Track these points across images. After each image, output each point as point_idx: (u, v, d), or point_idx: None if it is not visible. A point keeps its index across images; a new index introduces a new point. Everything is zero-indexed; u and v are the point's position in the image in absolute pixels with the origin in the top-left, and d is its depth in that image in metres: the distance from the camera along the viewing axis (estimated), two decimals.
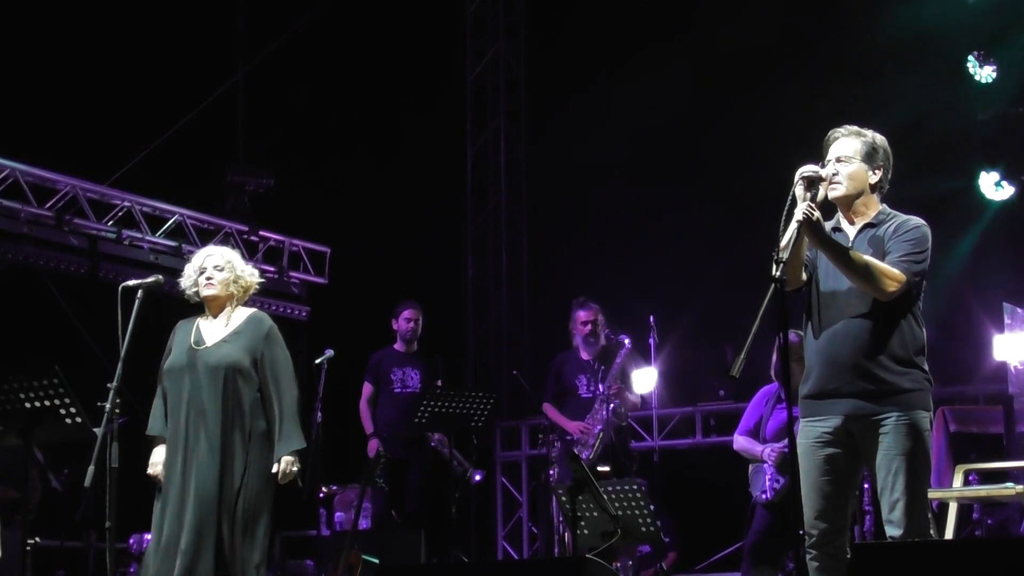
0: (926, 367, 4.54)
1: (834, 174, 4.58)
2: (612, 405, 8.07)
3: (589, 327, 8.35)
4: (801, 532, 4.46)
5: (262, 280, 5.87)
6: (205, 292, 5.62)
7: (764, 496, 7.03)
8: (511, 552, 11.22)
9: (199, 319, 5.68)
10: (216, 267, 5.64)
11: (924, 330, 4.57)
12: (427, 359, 8.79)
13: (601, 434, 8.08)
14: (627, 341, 8.25)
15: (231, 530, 5.33)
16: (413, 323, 8.78)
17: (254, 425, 5.47)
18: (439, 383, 8.67)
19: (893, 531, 4.40)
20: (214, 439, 5.38)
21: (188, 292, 5.68)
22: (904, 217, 4.63)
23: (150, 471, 5.54)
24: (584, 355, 8.39)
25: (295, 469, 5.45)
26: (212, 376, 5.46)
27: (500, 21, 12.55)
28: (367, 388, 8.77)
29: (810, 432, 4.58)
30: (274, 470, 5.44)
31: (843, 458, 4.52)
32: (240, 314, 5.67)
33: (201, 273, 5.64)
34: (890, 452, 4.42)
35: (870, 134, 4.66)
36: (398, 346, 8.86)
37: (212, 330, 5.62)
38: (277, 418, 5.48)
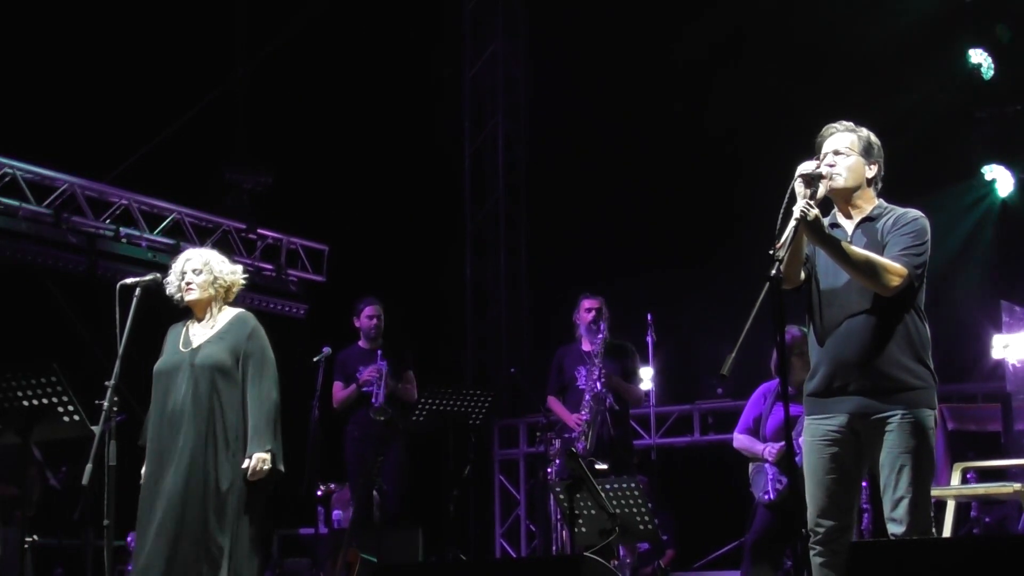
0: (931, 364, 4.51)
1: (832, 165, 4.57)
2: (596, 390, 8.06)
3: (592, 314, 8.33)
4: (804, 530, 4.46)
5: (245, 276, 5.86)
6: (186, 297, 5.66)
7: (767, 497, 7.02)
8: (509, 550, 11.22)
9: (189, 322, 5.71)
10: (194, 270, 5.66)
11: (927, 325, 4.55)
12: (393, 353, 8.71)
13: (589, 422, 8.06)
14: (602, 328, 8.25)
15: (220, 529, 5.31)
16: (376, 319, 8.73)
17: (238, 425, 5.46)
18: (411, 373, 8.63)
19: (896, 529, 4.39)
20: (189, 441, 5.37)
21: (175, 297, 5.70)
22: (902, 210, 4.61)
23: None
24: (586, 346, 8.38)
25: (266, 467, 5.39)
26: (197, 378, 5.47)
27: (499, 19, 12.54)
28: (338, 386, 8.69)
29: (815, 430, 4.56)
30: (244, 465, 5.40)
31: (849, 456, 4.51)
32: (225, 315, 5.69)
33: (182, 278, 5.66)
34: (894, 450, 4.40)
35: (864, 130, 4.67)
36: (362, 343, 8.79)
37: (199, 332, 5.65)
38: (253, 416, 5.45)
